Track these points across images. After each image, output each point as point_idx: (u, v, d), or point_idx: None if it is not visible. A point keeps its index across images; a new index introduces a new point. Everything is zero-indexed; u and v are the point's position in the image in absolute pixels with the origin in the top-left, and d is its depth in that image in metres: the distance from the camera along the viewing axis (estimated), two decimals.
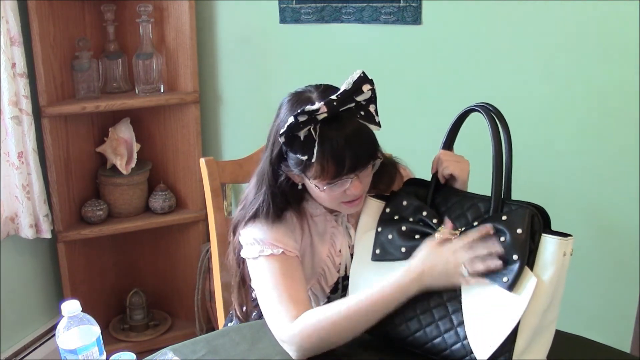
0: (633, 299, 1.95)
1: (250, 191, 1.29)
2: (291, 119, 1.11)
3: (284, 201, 1.25)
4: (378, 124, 1.18)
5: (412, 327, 1.14)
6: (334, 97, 1.13)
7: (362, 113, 1.16)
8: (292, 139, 1.14)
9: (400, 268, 1.13)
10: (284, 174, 1.23)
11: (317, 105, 1.11)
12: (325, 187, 1.19)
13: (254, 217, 1.26)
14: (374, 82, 1.16)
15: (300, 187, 1.25)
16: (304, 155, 1.14)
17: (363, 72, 1.15)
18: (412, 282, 1.10)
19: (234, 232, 1.31)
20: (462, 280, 1.08)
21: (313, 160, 1.14)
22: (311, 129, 1.13)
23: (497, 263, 1.05)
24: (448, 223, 1.14)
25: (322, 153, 1.13)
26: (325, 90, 1.19)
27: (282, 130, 1.13)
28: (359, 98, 1.15)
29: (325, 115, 1.12)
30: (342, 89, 1.14)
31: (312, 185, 1.21)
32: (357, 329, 1.14)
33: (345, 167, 1.15)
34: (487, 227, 1.08)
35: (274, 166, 1.23)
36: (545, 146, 1.99)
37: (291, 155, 1.18)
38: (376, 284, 1.13)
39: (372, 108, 1.17)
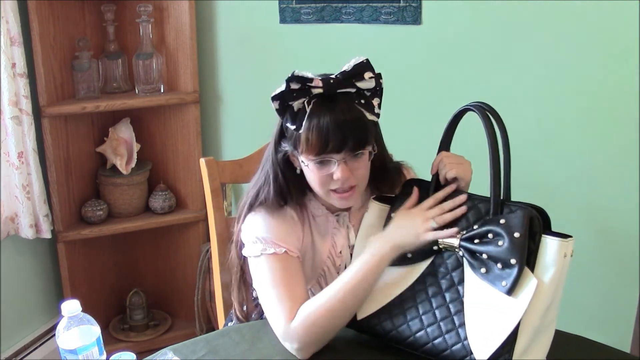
0: (633, 299, 1.95)
1: (255, 175, 1.31)
2: (283, 85, 1.13)
3: (285, 184, 1.25)
4: (377, 115, 1.19)
5: (413, 327, 1.14)
6: (332, 76, 1.15)
7: (362, 101, 1.17)
8: (285, 107, 1.16)
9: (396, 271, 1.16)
10: (283, 151, 1.24)
11: (311, 75, 1.13)
12: (309, 163, 1.19)
13: (256, 199, 1.26)
14: (382, 76, 1.17)
15: (298, 171, 1.25)
16: (292, 125, 1.16)
17: (366, 60, 1.16)
18: (386, 244, 1.15)
19: (239, 219, 1.31)
20: (430, 234, 1.12)
21: (301, 131, 1.15)
22: (305, 103, 1.14)
23: (462, 209, 1.12)
24: (415, 191, 1.20)
25: (309, 124, 1.15)
26: (325, 74, 1.20)
27: (273, 94, 1.14)
28: (362, 85, 1.16)
29: (320, 91, 1.13)
30: (342, 69, 1.16)
31: (302, 164, 1.22)
32: (352, 307, 1.16)
33: (329, 144, 1.15)
34: (462, 197, 1.14)
35: (276, 145, 1.24)
36: (545, 146, 1.99)
37: (287, 128, 1.20)
38: (360, 255, 1.16)
39: (375, 101, 1.18)
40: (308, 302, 1.16)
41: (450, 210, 1.14)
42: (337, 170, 1.18)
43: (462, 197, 1.14)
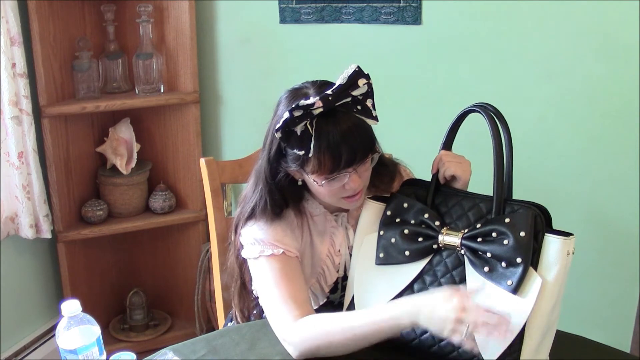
0: (633, 299, 1.95)
1: (249, 190, 1.30)
2: (286, 114, 1.12)
3: (281, 199, 1.25)
4: (375, 118, 1.18)
5: (418, 330, 1.13)
6: (329, 92, 1.13)
7: (359, 107, 1.17)
8: (288, 134, 1.14)
9: (403, 269, 1.14)
10: (283, 170, 1.23)
11: (312, 100, 1.12)
12: (323, 182, 1.19)
13: (252, 215, 1.26)
14: (370, 76, 1.16)
15: (300, 183, 1.25)
16: (300, 150, 1.15)
17: (358, 67, 1.15)
18: (409, 317, 1.05)
19: (235, 232, 1.31)
20: (454, 336, 1.00)
21: (310, 155, 1.14)
22: (307, 124, 1.13)
23: (499, 335, 0.99)
24: (469, 287, 1.08)
25: (318, 147, 1.14)
26: (322, 86, 1.19)
27: (277, 126, 1.13)
28: (355, 92, 1.15)
29: (321, 110, 1.12)
30: (337, 84, 1.14)
31: (311, 181, 1.21)
32: (357, 347, 1.12)
33: (342, 161, 1.15)
34: (507, 318, 1.01)
35: (272, 164, 1.23)
36: (545, 146, 1.99)
37: (289, 151, 1.18)
38: (382, 307, 1.11)
39: (369, 102, 1.18)
40: (320, 317, 1.15)
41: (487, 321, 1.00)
42: (349, 182, 1.19)
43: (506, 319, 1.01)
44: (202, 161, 1.63)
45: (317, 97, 1.12)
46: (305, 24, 2.20)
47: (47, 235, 2.26)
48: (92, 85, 2.28)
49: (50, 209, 2.27)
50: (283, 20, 2.23)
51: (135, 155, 2.37)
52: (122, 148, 2.37)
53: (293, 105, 1.11)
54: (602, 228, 1.99)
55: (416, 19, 2.04)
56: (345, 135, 1.14)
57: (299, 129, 1.13)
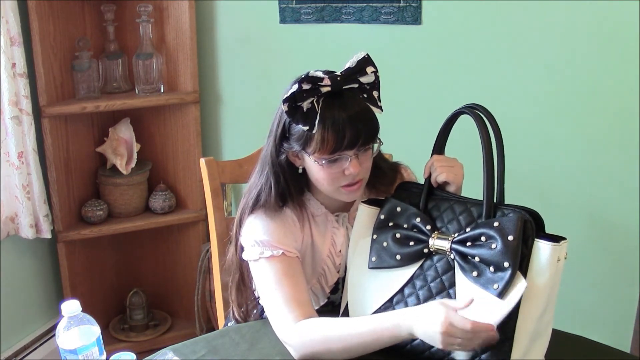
0: (633, 299, 1.95)
1: (253, 178, 1.30)
2: (295, 86, 1.13)
3: (285, 185, 1.25)
4: (380, 108, 1.20)
5: (418, 348, 1.12)
6: (338, 73, 1.16)
7: (365, 96, 1.19)
8: (294, 109, 1.15)
9: (395, 273, 1.15)
10: (285, 152, 1.23)
11: (321, 74, 1.14)
12: (323, 162, 1.19)
13: (257, 202, 1.26)
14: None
15: (300, 170, 1.25)
16: (305, 126, 1.16)
17: (367, 54, 1.18)
18: (408, 326, 1.06)
19: (240, 224, 1.30)
20: (447, 348, 1.04)
21: (314, 131, 1.15)
22: (314, 102, 1.14)
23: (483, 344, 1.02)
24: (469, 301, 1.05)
25: (323, 124, 1.15)
26: (330, 72, 1.20)
27: (285, 96, 1.14)
28: (363, 80, 1.18)
29: (329, 89, 1.14)
30: (345, 67, 1.17)
31: (312, 162, 1.21)
32: (354, 354, 1.12)
33: (345, 140, 1.16)
34: (492, 327, 1.01)
35: (277, 146, 1.24)
36: (545, 146, 1.99)
37: (293, 129, 1.19)
38: (380, 317, 1.11)
39: (375, 94, 1.20)
40: (319, 323, 1.15)
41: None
42: (349, 166, 1.19)
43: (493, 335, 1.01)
44: (202, 161, 1.63)
45: (327, 76, 1.14)
46: (305, 24, 2.20)
47: (47, 235, 2.26)
48: (92, 85, 2.28)
49: (50, 209, 2.27)
50: (283, 20, 2.23)
51: (135, 155, 2.37)
52: (122, 148, 2.37)
53: (302, 76, 1.13)
54: (602, 228, 1.99)
55: (416, 19, 2.04)
56: (351, 117, 1.16)
57: (305, 105, 1.15)
